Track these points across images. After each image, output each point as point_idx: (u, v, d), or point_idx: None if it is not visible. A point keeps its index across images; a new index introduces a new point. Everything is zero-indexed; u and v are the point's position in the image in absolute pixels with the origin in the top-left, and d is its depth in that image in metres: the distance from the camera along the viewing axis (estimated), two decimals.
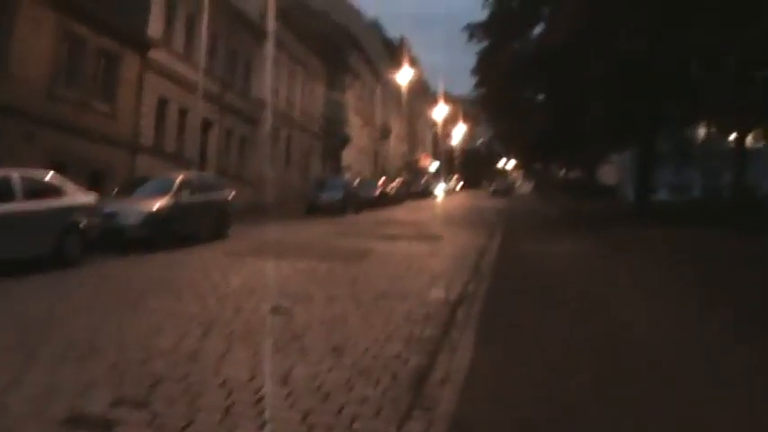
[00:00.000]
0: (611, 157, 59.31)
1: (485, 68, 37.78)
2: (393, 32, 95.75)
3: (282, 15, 51.08)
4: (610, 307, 11.58)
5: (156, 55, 34.25)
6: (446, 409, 6.26)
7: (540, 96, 39.54)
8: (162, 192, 21.91)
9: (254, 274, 15.30)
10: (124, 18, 31.66)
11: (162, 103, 35.31)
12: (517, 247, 22.52)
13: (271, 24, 42.75)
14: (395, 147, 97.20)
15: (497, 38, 35.23)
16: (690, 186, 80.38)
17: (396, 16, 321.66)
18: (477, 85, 41.45)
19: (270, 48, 43.45)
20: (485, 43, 36.60)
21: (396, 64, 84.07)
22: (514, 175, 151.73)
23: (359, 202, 45.76)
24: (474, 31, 35.33)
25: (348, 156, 69.37)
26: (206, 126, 39.72)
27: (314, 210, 40.81)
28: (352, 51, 71.12)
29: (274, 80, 49.47)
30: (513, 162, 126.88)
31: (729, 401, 6.60)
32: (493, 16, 34.67)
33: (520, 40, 35.49)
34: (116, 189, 23.77)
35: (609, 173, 68.69)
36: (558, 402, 6.52)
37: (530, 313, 11.10)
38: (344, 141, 65.88)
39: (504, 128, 54.78)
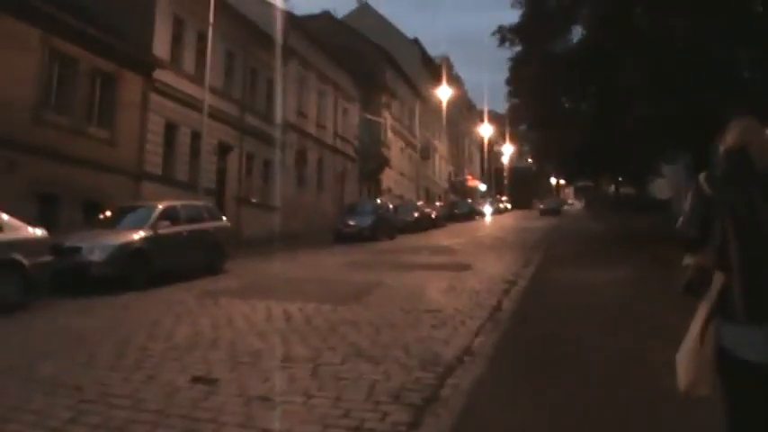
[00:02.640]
0: (664, 169, 55.46)
1: (518, 76, 34.47)
2: (436, 52, 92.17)
3: (308, 34, 48.77)
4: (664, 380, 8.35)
5: (163, 76, 31.67)
6: None
7: (579, 104, 35.98)
8: (138, 223, 19.13)
9: (214, 323, 12.29)
10: (125, 36, 29.17)
11: (170, 128, 32.67)
12: (554, 275, 19.26)
13: (279, 37, 40.13)
14: (439, 168, 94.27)
15: (530, 42, 31.81)
16: None
17: (439, 36, 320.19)
18: (511, 95, 38.16)
19: (278, 62, 40.83)
20: (517, 48, 33.34)
21: (437, 83, 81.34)
22: (566, 192, 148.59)
23: (393, 227, 42.86)
24: (505, 34, 31.98)
25: (388, 178, 66.58)
26: (224, 150, 37.19)
27: (341, 237, 37.74)
28: (389, 70, 68.29)
29: (300, 101, 47.10)
30: (563, 180, 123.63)
31: None
32: (525, 18, 31.43)
33: (555, 44, 32.09)
34: (96, 220, 21.15)
35: (662, 187, 65.05)
36: None
37: (543, 390, 7.94)
38: (382, 163, 62.89)
39: (541, 141, 50.97)
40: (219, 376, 8.55)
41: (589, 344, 10.09)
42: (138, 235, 18.52)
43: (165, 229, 19.41)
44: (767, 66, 24.79)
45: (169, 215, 20.05)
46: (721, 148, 4.34)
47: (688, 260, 4.27)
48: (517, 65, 34.01)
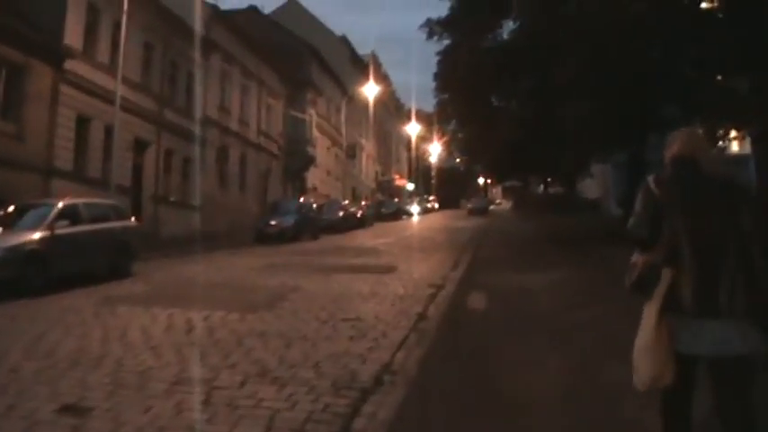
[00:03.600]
0: (593, 169, 54.83)
1: (446, 71, 33.24)
2: (364, 51, 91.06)
3: (232, 27, 47.31)
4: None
5: (75, 66, 29.91)
6: None
7: (509, 101, 34.84)
8: (34, 223, 17.56)
9: (105, 336, 10.90)
10: (34, 24, 27.42)
11: (82, 122, 30.86)
12: (484, 278, 18.06)
13: (199, 30, 38.61)
14: (367, 167, 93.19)
15: (459, 35, 30.64)
16: None
17: (367, 35, 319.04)
18: (439, 91, 36.94)
19: (198, 56, 39.19)
20: (446, 42, 32.12)
21: (365, 81, 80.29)
22: (494, 192, 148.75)
23: (317, 227, 41.75)
24: (433, 27, 30.73)
25: (313, 177, 65.11)
26: (141, 146, 35.52)
27: (263, 237, 36.36)
28: (315, 67, 66.88)
29: (223, 96, 45.60)
30: (491, 180, 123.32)
31: None
32: (454, 10, 30.26)
33: (485, 38, 30.93)
34: None
35: (590, 187, 64.67)
36: None
37: (476, 421, 6.78)
38: (308, 162, 61.29)
39: (470, 139, 49.80)
40: (94, 404, 7.25)
41: (527, 358, 8.96)
42: (34, 236, 16.94)
43: (64, 229, 17.77)
44: (710, 66, 24.05)
45: (69, 214, 18.36)
46: (667, 155, 4.65)
47: (635, 258, 4.55)
48: (445, 59, 32.87)
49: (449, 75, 32.77)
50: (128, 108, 32.30)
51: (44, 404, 7.24)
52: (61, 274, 17.32)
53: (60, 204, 18.55)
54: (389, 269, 21.25)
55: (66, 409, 7.07)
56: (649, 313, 4.40)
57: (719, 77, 24.39)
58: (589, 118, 25.12)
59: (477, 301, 14.18)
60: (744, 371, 4.28)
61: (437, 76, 35.08)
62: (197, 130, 40.28)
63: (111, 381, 8.15)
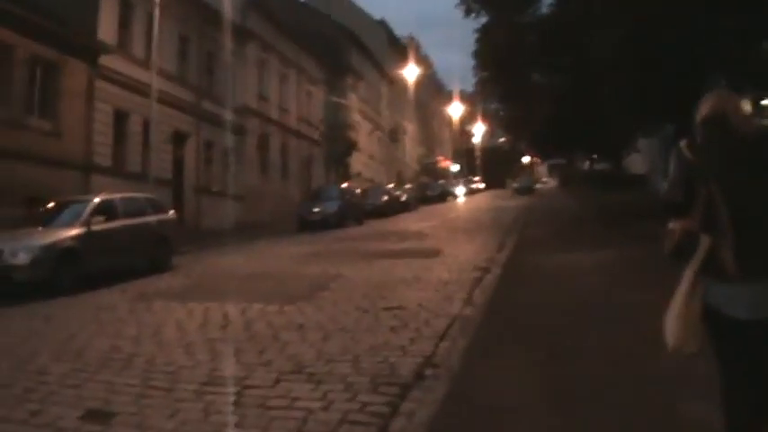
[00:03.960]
0: (639, 144, 53.60)
1: (485, 48, 32.55)
2: (404, 33, 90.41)
3: (268, 14, 46.96)
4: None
5: (110, 61, 29.74)
6: None
7: (550, 77, 34.03)
8: (70, 220, 17.28)
9: (138, 334, 10.52)
10: (67, 21, 27.18)
11: (120, 116, 30.80)
12: (530, 259, 17.54)
13: (236, 19, 38.23)
14: (410, 150, 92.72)
15: (497, 11, 29.90)
16: None
17: (407, 18, 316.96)
18: (479, 68, 36.20)
19: (233, 45, 38.78)
20: (484, 19, 31.42)
21: (405, 64, 79.58)
22: (539, 171, 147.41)
23: (361, 212, 41.39)
24: (470, 4, 30.03)
25: (357, 162, 64.75)
26: (180, 139, 35.33)
27: (306, 225, 35.96)
28: (354, 51, 66.47)
29: (261, 84, 45.28)
30: (536, 158, 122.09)
31: None
32: None
33: (523, 14, 30.19)
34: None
35: (637, 162, 63.40)
36: None
37: (531, 413, 6.29)
38: (350, 147, 60.91)
39: (512, 117, 48.85)
40: (119, 409, 6.88)
41: (584, 344, 8.44)
42: (69, 233, 16.62)
43: (100, 224, 17.47)
44: (751, 35, 23.25)
45: (105, 209, 18.08)
46: (698, 118, 4.44)
47: (672, 225, 4.35)
48: (484, 36, 32.20)
49: (488, 52, 32.15)
50: (165, 101, 32.13)
51: (68, 410, 6.89)
52: (98, 271, 17.02)
53: (96, 200, 18.29)
54: (434, 253, 20.76)
55: (91, 415, 6.73)
56: (684, 280, 4.29)
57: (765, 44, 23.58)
58: (631, 90, 24.40)
59: (523, 283, 13.69)
60: None
61: (476, 54, 34.44)
62: (236, 119, 40.00)
63: (141, 382, 7.78)
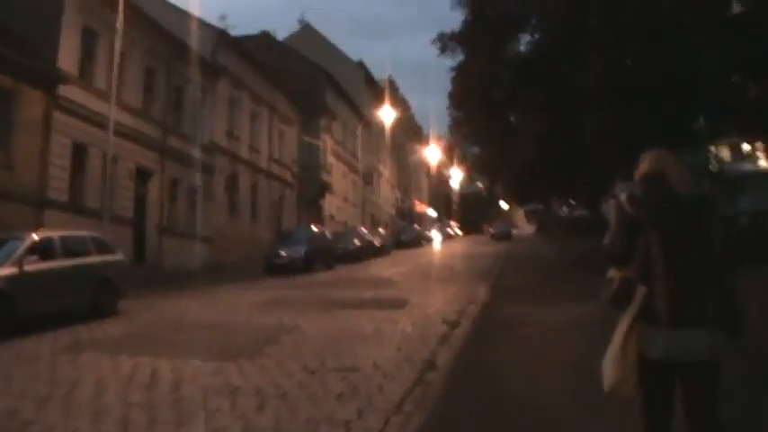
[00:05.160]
0: (617, 189, 52.58)
1: (460, 86, 31.34)
2: (381, 76, 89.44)
3: (241, 52, 45.91)
4: None
5: (70, 92, 28.38)
6: None
7: (528, 116, 32.71)
8: (1, 260, 15.73)
9: (48, 394, 9.04)
10: (26, 47, 25.92)
11: (79, 150, 29.20)
12: (504, 313, 16.16)
13: (204, 54, 36.97)
14: (385, 192, 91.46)
15: (473, 49, 28.77)
16: None
17: (384, 61, 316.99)
18: (453, 107, 34.95)
19: (202, 81, 37.38)
20: (460, 58, 30.30)
21: (381, 106, 78.65)
22: (516, 216, 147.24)
23: (331, 256, 39.90)
24: (446, 42, 28.83)
25: (330, 205, 63.38)
26: (143, 176, 33.86)
27: (273, 269, 34.48)
28: (330, 91, 65.24)
29: (231, 122, 44.02)
30: (513, 204, 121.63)
31: None
32: (467, 24, 28.40)
33: (500, 51, 29.07)
34: None
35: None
36: None
37: None
38: (323, 189, 59.54)
39: (488, 158, 47.41)
40: None
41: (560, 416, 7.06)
42: None
43: (35, 264, 16.00)
44: (738, 71, 22.44)
45: (41, 248, 16.59)
46: (637, 174, 4.82)
47: (611, 274, 4.79)
48: (459, 74, 31.05)
49: (463, 90, 30.90)
50: (128, 135, 31.01)
51: None
52: (32, 314, 15.53)
53: (31, 238, 16.76)
54: (401, 303, 19.33)
55: None
56: (621, 326, 4.64)
57: (748, 87, 22.82)
58: (609, 130, 23.34)
59: (494, 341, 12.31)
60: (712, 375, 4.47)
61: (451, 94, 33.24)
62: (204, 157, 38.68)
63: None
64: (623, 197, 4.70)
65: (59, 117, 27.88)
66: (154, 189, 35.11)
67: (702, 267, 4.39)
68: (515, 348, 11.80)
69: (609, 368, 4.67)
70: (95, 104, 29.70)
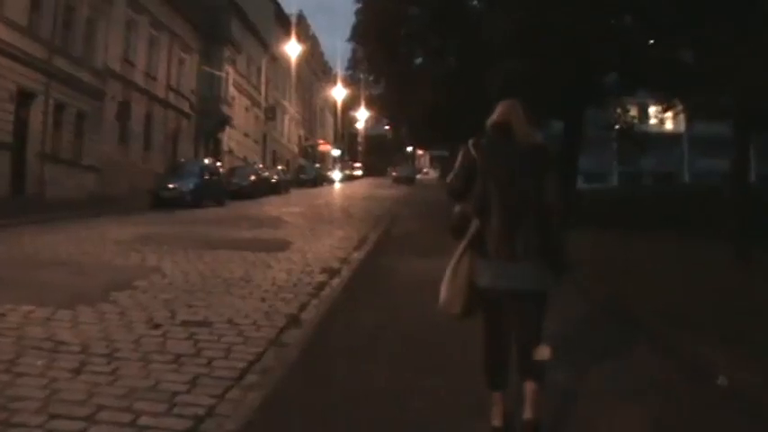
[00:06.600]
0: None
1: (366, 20, 29.88)
2: (293, 10, 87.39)
3: None
4: None
5: None
6: None
7: (436, 60, 31.48)
8: None
9: None
10: None
11: None
12: (395, 264, 15.09)
13: None
14: (289, 130, 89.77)
15: None
16: (607, 174, 74.58)
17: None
18: (356, 43, 33.55)
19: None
20: None
21: (290, 41, 76.72)
22: (422, 161, 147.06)
23: (223, 192, 38.78)
24: None
25: (229, 139, 61.62)
26: (25, 98, 31.77)
27: (160, 202, 32.95)
28: (236, 22, 62.89)
29: (127, 47, 41.96)
30: (420, 149, 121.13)
31: None
32: None
33: None
34: None
35: None
36: None
37: None
38: (223, 122, 57.78)
39: (392, 101, 45.91)
40: None
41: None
42: None
43: None
44: (651, 33, 21.79)
45: None
46: (488, 122, 5.19)
47: (457, 209, 5.30)
48: (366, 7, 29.80)
49: (368, 25, 29.56)
50: (9, 54, 28.95)
51: None
52: None
53: None
54: (282, 246, 18.14)
55: None
56: (457, 253, 5.19)
57: (663, 47, 22.08)
58: (519, 81, 22.39)
59: (376, 296, 11.23)
60: (537, 303, 5.04)
61: (354, 28, 31.80)
62: (95, 82, 36.76)
63: None
64: (470, 142, 5.12)
65: None
66: (37, 113, 32.97)
67: (530, 210, 4.84)
68: (389, 303, 10.71)
69: (443, 290, 5.21)
70: None
